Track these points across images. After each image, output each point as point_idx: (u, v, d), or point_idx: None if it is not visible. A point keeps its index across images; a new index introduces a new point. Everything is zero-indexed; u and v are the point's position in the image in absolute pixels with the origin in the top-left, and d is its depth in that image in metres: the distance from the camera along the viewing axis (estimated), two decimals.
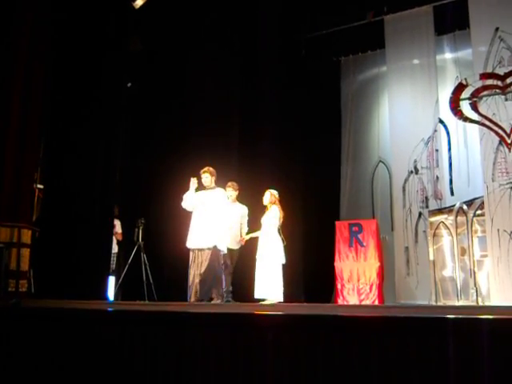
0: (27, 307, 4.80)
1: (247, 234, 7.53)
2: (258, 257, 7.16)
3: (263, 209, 7.40)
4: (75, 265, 6.77)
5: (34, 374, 4.02)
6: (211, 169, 7.00)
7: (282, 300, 6.92)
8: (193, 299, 6.62)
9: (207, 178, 6.95)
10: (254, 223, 7.48)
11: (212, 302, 6.52)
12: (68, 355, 3.94)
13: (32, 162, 6.87)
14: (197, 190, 7.01)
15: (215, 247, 6.70)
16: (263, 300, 6.89)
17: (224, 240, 6.90)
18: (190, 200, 6.94)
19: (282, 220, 7.26)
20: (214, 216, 6.80)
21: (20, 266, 6.21)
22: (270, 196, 7.28)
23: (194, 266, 6.74)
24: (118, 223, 8.52)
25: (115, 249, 8.42)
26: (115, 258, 8.46)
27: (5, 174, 6.37)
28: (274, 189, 7.38)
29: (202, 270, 6.61)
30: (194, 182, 6.95)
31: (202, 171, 6.98)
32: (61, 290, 6.17)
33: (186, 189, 7.01)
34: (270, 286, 6.91)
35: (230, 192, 7.41)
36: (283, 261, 7.09)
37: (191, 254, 6.80)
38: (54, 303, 5.08)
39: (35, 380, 4.01)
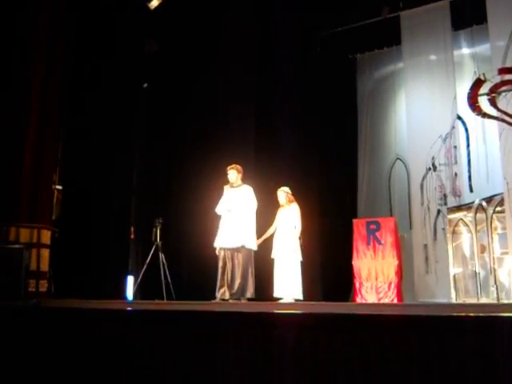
0: (47, 307, 4.84)
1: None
2: (275, 255, 7.09)
3: (277, 208, 7.32)
4: (94, 264, 6.83)
5: (53, 373, 4.06)
6: (238, 166, 6.94)
7: (301, 298, 6.89)
8: (221, 296, 6.62)
9: (233, 174, 6.90)
10: (267, 222, 7.40)
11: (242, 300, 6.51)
12: (88, 355, 3.97)
13: (51, 164, 6.95)
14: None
15: (243, 247, 6.68)
16: (281, 298, 6.86)
17: (253, 238, 6.83)
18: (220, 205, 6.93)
19: None
20: (243, 215, 6.76)
21: (40, 266, 6.28)
22: (285, 195, 7.20)
23: (223, 265, 6.74)
24: None
25: None
26: None
27: (24, 175, 6.45)
28: (290, 187, 7.31)
29: (236, 269, 6.60)
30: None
31: (228, 167, 6.92)
32: (80, 289, 6.23)
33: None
34: (290, 284, 6.87)
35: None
36: (301, 258, 7.05)
37: (221, 253, 6.78)
38: (74, 303, 5.12)
39: (55, 379, 4.04)
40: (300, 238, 7.08)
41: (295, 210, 7.08)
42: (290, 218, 7.09)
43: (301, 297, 6.90)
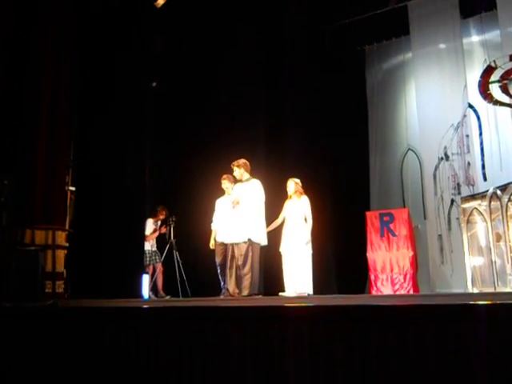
0: (64, 307, 4.88)
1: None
2: (283, 249, 7.01)
3: (285, 199, 7.29)
4: (109, 264, 6.86)
5: (72, 372, 4.09)
6: (240, 161, 6.94)
7: (311, 293, 6.84)
8: (231, 292, 6.61)
9: (236, 171, 6.94)
10: (277, 214, 7.34)
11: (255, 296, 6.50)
12: (106, 353, 3.99)
13: (63, 165, 7.01)
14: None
15: (250, 240, 6.62)
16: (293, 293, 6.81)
17: (261, 233, 6.77)
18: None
19: None
20: (251, 208, 6.72)
21: (56, 267, 6.34)
22: (294, 185, 7.14)
23: (224, 260, 6.72)
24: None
25: (154, 247, 8.51)
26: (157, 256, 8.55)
27: (38, 177, 6.51)
28: (302, 180, 7.28)
29: (246, 265, 6.55)
30: None
31: (232, 164, 6.96)
32: (96, 289, 6.26)
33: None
34: (300, 277, 6.82)
35: (227, 184, 7.18)
36: (311, 251, 6.99)
37: (224, 247, 6.77)
38: (91, 303, 5.16)
39: (73, 378, 4.07)
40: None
41: (305, 203, 7.04)
42: (299, 211, 7.03)
43: (311, 291, 6.82)
